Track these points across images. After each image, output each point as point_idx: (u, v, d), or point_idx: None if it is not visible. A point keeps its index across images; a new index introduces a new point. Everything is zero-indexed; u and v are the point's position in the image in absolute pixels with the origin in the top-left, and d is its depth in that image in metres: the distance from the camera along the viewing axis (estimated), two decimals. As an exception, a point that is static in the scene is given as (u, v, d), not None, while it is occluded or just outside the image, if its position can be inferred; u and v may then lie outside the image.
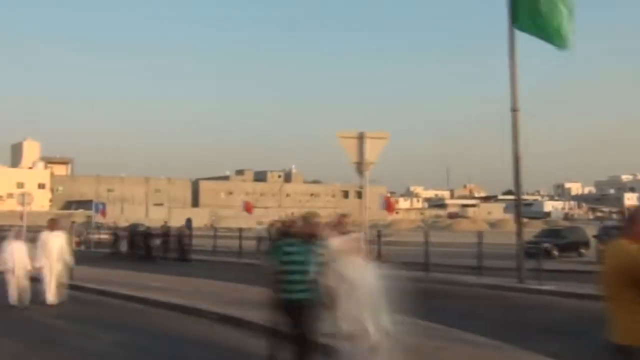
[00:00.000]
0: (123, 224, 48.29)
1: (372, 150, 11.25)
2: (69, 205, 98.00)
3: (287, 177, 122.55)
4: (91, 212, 49.82)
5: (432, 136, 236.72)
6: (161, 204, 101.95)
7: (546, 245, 25.39)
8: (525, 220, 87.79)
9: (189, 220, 31.19)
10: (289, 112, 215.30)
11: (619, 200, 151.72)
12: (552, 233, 30.59)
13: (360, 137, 11.22)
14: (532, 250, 20.12)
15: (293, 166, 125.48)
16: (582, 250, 28.95)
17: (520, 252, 16.94)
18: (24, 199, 26.45)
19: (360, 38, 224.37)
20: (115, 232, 33.55)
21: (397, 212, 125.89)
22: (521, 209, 18.26)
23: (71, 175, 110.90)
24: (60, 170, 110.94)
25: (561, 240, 28.84)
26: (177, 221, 49.27)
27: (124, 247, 30.08)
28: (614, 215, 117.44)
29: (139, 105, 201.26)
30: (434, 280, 18.26)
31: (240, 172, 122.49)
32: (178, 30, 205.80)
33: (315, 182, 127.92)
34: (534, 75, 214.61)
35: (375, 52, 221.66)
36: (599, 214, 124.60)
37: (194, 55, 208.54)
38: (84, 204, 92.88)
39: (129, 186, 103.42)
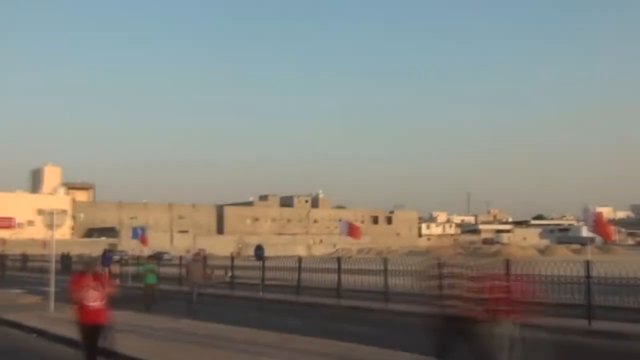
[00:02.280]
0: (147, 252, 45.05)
1: None
2: (90, 232, 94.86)
3: (315, 203, 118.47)
4: (114, 240, 46.52)
5: (452, 160, 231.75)
6: (186, 231, 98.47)
7: None
8: (576, 247, 79.17)
9: (259, 248, 25.60)
10: (313, 137, 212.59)
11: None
12: None
13: None
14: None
15: (320, 191, 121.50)
16: None
17: None
18: (52, 219, 17.73)
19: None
20: None
21: (428, 239, 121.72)
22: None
23: (93, 202, 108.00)
24: (82, 196, 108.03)
25: None
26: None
27: None
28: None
29: (161, 129, 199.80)
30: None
31: (264, 198, 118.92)
32: (195, 53, 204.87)
33: (339, 207, 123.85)
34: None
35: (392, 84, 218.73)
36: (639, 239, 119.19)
37: (222, 80, 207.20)
38: (106, 231, 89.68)
39: (152, 212, 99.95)
